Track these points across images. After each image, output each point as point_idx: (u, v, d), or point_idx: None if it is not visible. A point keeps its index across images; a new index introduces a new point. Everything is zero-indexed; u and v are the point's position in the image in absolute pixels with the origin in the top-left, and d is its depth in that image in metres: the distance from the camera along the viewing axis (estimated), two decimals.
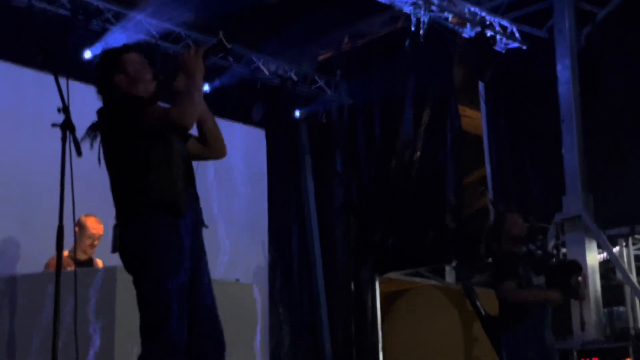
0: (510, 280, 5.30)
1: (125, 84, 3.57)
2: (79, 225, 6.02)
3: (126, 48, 3.72)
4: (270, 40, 9.24)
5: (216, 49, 3.62)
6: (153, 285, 3.31)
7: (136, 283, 3.38)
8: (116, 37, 8.01)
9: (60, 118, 3.73)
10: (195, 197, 3.55)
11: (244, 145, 9.33)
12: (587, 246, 8.02)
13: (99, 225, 6.16)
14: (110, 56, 3.71)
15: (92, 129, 3.60)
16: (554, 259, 6.16)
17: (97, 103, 8.20)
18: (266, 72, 9.50)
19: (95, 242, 6.15)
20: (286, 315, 9.72)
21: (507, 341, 5.43)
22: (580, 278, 5.64)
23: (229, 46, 3.57)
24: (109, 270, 5.29)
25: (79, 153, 3.54)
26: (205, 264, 3.55)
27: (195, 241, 3.48)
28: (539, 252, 5.96)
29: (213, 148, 3.75)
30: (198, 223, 3.54)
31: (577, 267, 5.68)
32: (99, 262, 6.20)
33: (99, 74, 3.67)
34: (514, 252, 5.48)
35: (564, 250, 8.41)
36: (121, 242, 3.41)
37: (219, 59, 8.99)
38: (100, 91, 3.66)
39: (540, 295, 5.37)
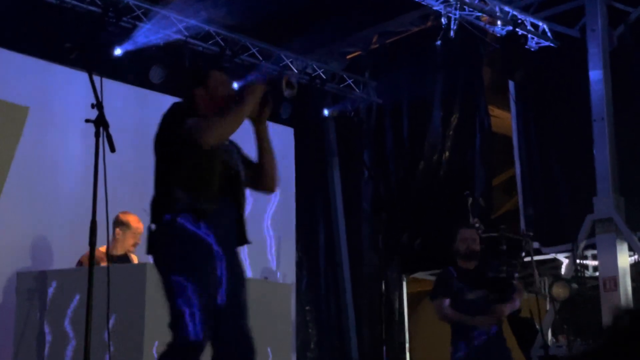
0: (440, 299, 5.75)
1: (203, 97, 3.70)
2: (122, 224, 6.00)
3: (215, 66, 3.86)
4: (299, 39, 9.22)
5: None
6: (169, 286, 3.46)
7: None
8: (146, 35, 8.04)
9: (92, 114, 3.74)
10: (229, 206, 3.60)
11: (272, 143, 9.31)
12: (618, 248, 7.92)
13: (140, 223, 6.14)
14: (198, 69, 3.95)
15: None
16: (501, 274, 6.45)
17: (126, 100, 8.30)
18: (295, 71, 9.49)
19: (139, 241, 6.12)
20: (312, 314, 9.71)
21: (451, 349, 5.81)
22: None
23: (291, 92, 3.64)
24: (139, 267, 5.31)
25: (113, 149, 3.55)
26: (236, 271, 3.60)
27: (224, 250, 3.54)
28: (497, 269, 6.20)
29: (259, 181, 3.83)
30: (228, 233, 3.59)
31: (506, 287, 5.93)
32: (135, 258, 6.18)
33: (186, 82, 3.88)
34: (459, 268, 5.78)
35: (594, 252, 8.33)
36: (150, 242, 3.57)
37: (247, 56, 9.00)
38: (183, 97, 3.82)
39: (466, 322, 5.68)
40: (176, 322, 3.40)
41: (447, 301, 5.72)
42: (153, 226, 3.56)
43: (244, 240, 3.69)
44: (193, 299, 3.39)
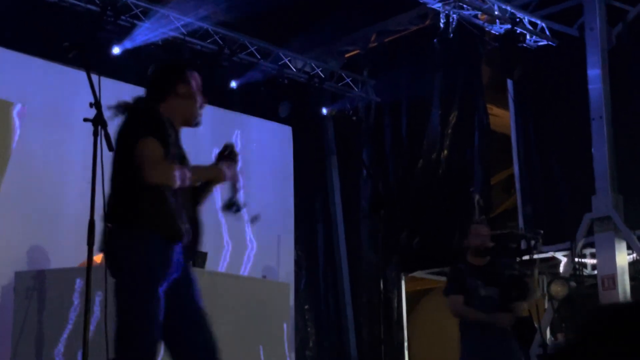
0: (455, 295, 5.60)
1: (183, 93, 3.63)
2: None
3: (195, 68, 3.79)
4: (298, 37, 9.22)
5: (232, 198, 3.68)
6: (129, 298, 3.34)
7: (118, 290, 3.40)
8: (144, 34, 8.04)
9: (90, 113, 3.73)
10: (190, 224, 3.55)
11: (270, 142, 9.32)
12: (616, 247, 7.92)
13: None
14: (181, 65, 3.87)
15: (121, 110, 3.59)
16: (515, 272, 6.35)
17: (124, 99, 8.25)
18: (293, 69, 9.49)
19: None
20: (311, 313, 9.71)
21: (461, 346, 5.71)
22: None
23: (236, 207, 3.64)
24: None
25: (111, 148, 3.54)
26: (192, 293, 3.52)
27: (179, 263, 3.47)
28: (510, 266, 6.14)
29: None
30: (187, 249, 3.53)
31: (519, 285, 5.82)
32: None
33: (164, 73, 3.76)
34: (470, 264, 5.67)
35: (592, 250, 8.33)
36: (110, 247, 3.43)
37: (245, 55, 8.99)
38: (154, 85, 3.71)
39: (485, 319, 5.56)
40: (130, 339, 3.28)
41: (461, 298, 5.59)
42: (112, 226, 3.41)
43: (195, 253, 3.64)
44: (156, 315, 3.27)
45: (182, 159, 3.60)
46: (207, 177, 3.62)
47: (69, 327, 5.18)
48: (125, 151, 3.45)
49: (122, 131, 3.52)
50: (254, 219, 3.73)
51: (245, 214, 3.85)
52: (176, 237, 3.42)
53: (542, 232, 8.10)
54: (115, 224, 3.41)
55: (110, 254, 3.43)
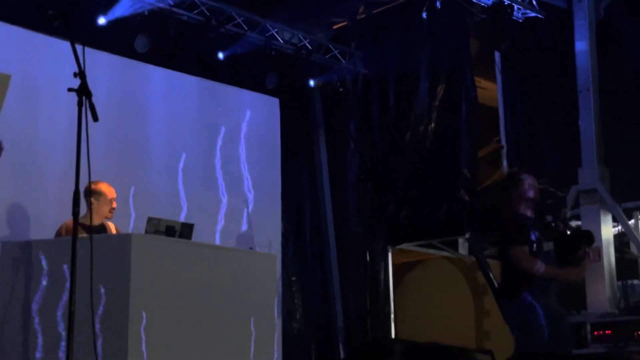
0: (522, 245, 5.04)
1: None
2: (95, 193, 5.88)
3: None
4: (285, 9, 9.16)
5: None
6: None
7: None
8: (131, 4, 7.96)
9: (75, 83, 3.71)
10: None
11: (257, 114, 9.29)
12: (602, 219, 7.97)
13: (112, 188, 6.10)
14: None
15: None
16: (565, 226, 5.86)
17: (110, 69, 8.19)
18: (281, 41, 9.43)
19: (114, 205, 6.07)
20: (298, 285, 9.74)
21: (511, 309, 5.19)
22: (589, 250, 5.47)
23: None
24: (123, 237, 5.30)
25: (96, 118, 3.53)
26: None
27: None
28: (550, 217, 5.78)
29: None
30: None
31: (589, 237, 5.47)
32: (112, 227, 6.15)
33: None
34: (526, 216, 5.22)
35: (578, 222, 8.38)
36: None
37: (232, 26, 8.93)
38: None
39: (559, 276, 5.13)
40: None
41: (527, 249, 5.04)
42: None
43: None
44: None
45: None
46: None
47: (56, 299, 5.17)
48: None
49: None
50: None
51: None
52: None
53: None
54: None
55: None
